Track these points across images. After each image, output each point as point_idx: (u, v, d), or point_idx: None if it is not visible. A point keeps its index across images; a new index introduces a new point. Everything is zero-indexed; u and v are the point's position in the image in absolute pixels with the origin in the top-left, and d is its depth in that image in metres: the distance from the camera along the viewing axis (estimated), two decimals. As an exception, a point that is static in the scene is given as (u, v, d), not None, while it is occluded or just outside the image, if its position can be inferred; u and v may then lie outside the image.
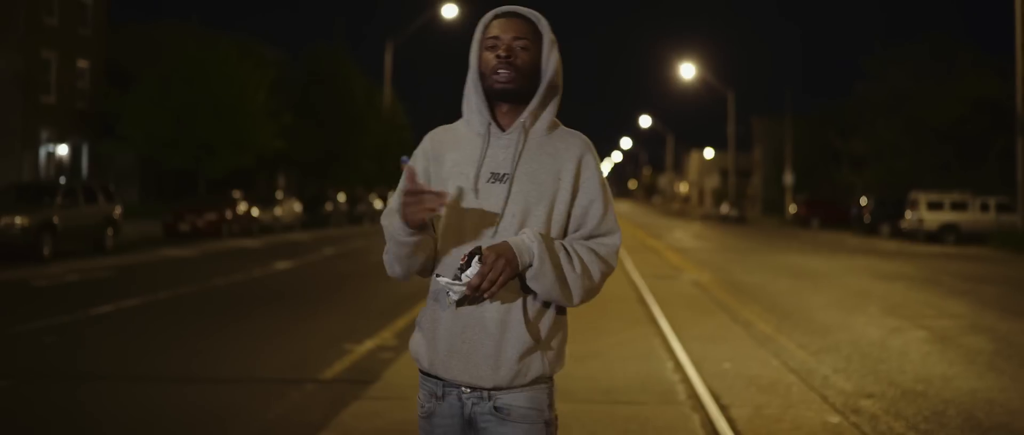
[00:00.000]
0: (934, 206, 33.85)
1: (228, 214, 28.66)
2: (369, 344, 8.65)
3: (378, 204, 47.76)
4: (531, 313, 2.43)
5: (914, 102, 48.91)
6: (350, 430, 5.55)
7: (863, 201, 43.29)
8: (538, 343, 2.43)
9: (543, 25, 2.50)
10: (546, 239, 2.39)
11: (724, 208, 67.56)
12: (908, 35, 71.63)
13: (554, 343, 2.48)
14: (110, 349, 8.55)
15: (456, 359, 2.41)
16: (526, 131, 2.48)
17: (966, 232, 32.92)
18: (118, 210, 22.28)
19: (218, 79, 33.62)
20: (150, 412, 6.08)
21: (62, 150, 35.80)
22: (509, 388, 2.41)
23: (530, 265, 2.35)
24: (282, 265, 18.08)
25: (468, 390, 2.43)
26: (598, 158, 2.56)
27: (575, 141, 2.53)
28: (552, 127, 2.53)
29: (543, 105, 2.49)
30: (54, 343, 8.71)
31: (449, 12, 49.00)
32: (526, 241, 2.36)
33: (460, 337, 2.40)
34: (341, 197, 42.31)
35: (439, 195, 2.26)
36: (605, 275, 2.49)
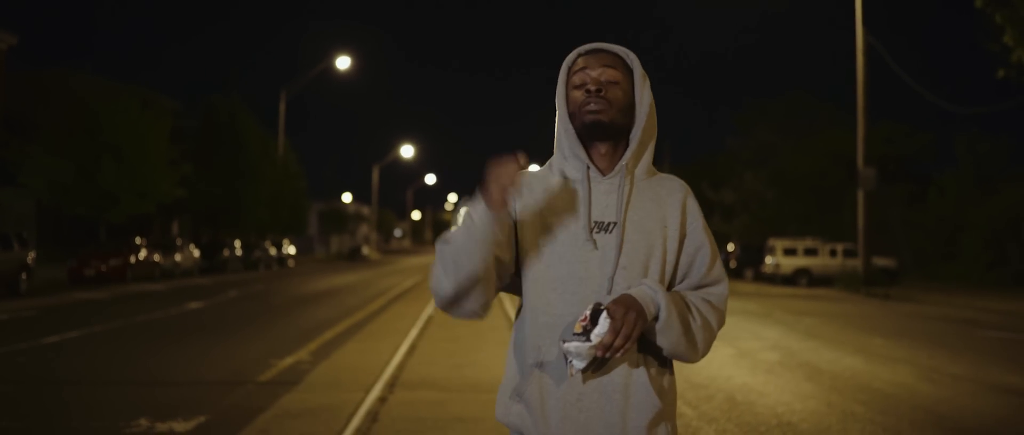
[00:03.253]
0: (789, 252, 37.24)
1: (132, 259, 30.13)
2: (289, 360, 10.80)
3: (272, 251, 49.36)
4: (653, 373, 2.26)
5: (779, 156, 52.93)
6: (287, 410, 7.69)
7: (730, 247, 46.73)
8: (664, 407, 2.26)
9: (632, 59, 2.35)
10: (665, 290, 2.24)
11: (608, 254, 70.77)
12: (779, 92, 76.65)
13: (674, 405, 2.34)
14: (78, 364, 10.48)
15: (570, 427, 2.21)
16: (630, 174, 2.33)
17: (817, 275, 36.34)
18: (31, 255, 23.72)
19: (121, 130, 34.98)
20: (128, 404, 8.08)
21: (-39, 197, 36.55)
22: None
23: (656, 318, 2.19)
24: (194, 305, 19.89)
25: None
26: (697, 202, 2.43)
27: (675, 185, 2.40)
28: (650, 172, 2.39)
29: (643, 145, 2.35)
30: (27, 361, 10.60)
31: (342, 63, 51.28)
32: (648, 292, 2.20)
33: (575, 406, 2.21)
34: (237, 244, 43.81)
35: (516, 157, 2.16)
36: (720, 326, 2.36)
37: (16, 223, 36.64)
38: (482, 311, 2.26)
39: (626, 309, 2.11)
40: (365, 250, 75.42)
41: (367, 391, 8.50)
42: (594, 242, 2.25)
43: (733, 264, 44.22)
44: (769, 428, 7.37)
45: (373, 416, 7.38)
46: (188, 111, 50.05)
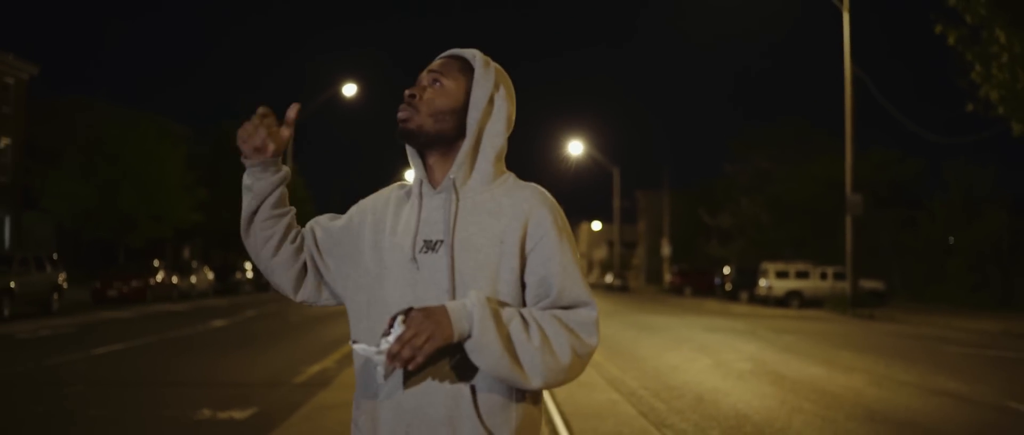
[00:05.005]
0: (781, 275, 38.69)
1: (152, 281, 31.66)
2: (316, 367, 12.29)
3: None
4: (484, 403, 2.02)
5: (775, 181, 54.44)
6: (323, 404, 9.17)
7: (726, 270, 48.19)
8: None
9: (476, 60, 2.14)
10: (492, 303, 1.98)
11: (608, 278, 72.38)
12: (776, 119, 78.43)
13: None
14: (132, 370, 11.98)
15: None
16: (457, 187, 2.11)
17: (808, 297, 37.75)
18: (62, 277, 25.25)
19: (140, 157, 36.64)
20: (189, 399, 9.55)
21: (-14, 222, 38.14)
22: None
23: (469, 335, 1.95)
24: (218, 323, 21.40)
25: None
26: (558, 212, 2.15)
27: (523, 195, 2.13)
28: (498, 180, 2.15)
29: (473, 153, 2.12)
30: (87, 369, 12.09)
31: (349, 90, 52.88)
32: (467, 305, 1.96)
33: None
34: (248, 266, 45.35)
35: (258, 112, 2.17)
36: (579, 353, 2.03)
37: (37, 246, 38.22)
38: (283, 267, 2.43)
39: (424, 317, 1.93)
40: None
41: (389, 390, 9.96)
42: (416, 262, 2.08)
43: (728, 287, 45.69)
44: (726, 418, 8.84)
45: (396, 408, 8.84)
46: (199, 137, 51.68)
